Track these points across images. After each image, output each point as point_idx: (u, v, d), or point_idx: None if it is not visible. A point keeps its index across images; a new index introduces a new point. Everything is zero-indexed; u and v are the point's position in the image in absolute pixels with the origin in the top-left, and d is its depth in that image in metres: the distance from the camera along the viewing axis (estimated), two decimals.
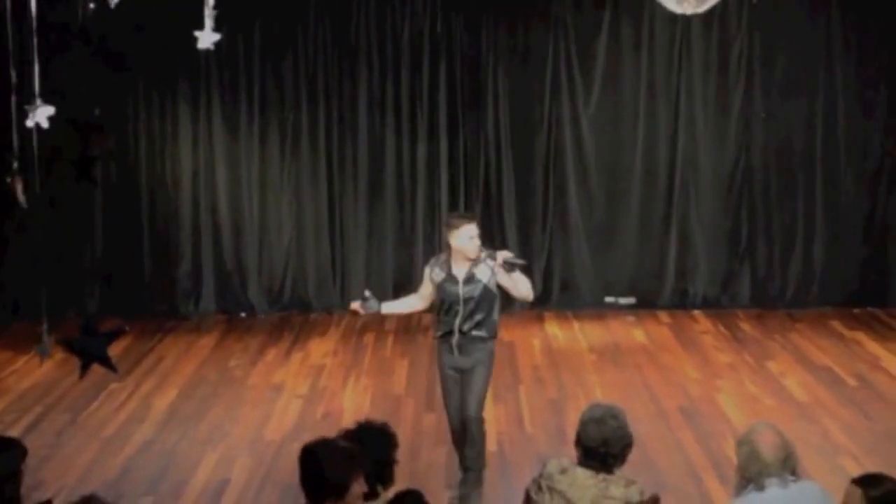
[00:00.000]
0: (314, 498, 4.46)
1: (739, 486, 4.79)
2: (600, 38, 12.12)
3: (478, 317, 7.40)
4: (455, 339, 7.42)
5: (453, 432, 7.58)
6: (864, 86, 12.08)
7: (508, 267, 7.40)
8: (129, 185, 12.16)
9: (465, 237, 7.33)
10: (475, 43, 12.17)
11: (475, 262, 7.38)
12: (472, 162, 12.33)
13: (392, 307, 7.91)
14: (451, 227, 7.44)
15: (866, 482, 4.47)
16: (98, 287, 12.03)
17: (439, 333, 7.52)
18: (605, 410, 4.98)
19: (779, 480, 4.67)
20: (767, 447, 4.71)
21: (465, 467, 7.48)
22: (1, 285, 11.86)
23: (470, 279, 7.38)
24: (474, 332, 7.42)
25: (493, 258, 7.38)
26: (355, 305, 7.65)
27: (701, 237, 12.34)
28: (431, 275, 7.51)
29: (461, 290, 7.37)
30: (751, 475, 4.72)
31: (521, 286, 7.50)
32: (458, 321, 7.39)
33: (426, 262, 12.12)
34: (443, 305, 7.47)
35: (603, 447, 4.87)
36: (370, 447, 4.72)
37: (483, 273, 7.37)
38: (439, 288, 7.45)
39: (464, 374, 7.46)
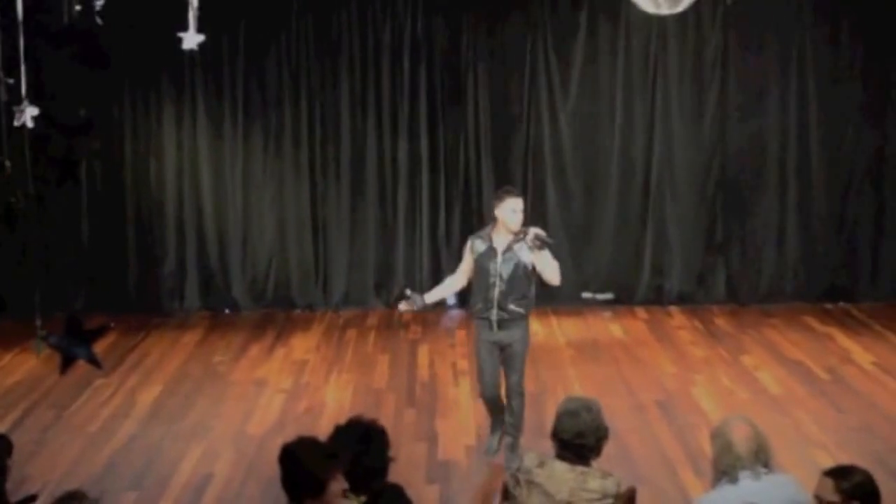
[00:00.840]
0: (293, 496, 4.53)
1: (714, 479, 4.85)
2: (577, 38, 12.23)
3: (515, 293, 7.66)
4: (494, 314, 7.68)
5: (486, 402, 7.99)
6: (837, 84, 12.20)
7: (539, 244, 7.63)
8: (114, 184, 12.24)
9: (508, 210, 7.63)
10: (455, 43, 12.28)
11: (516, 237, 7.64)
12: (452, 160, 12.44)
13: (435, 295, 8.12)
14: (497, 199, 7.75)
15: (838, 474, 4.51)
16: (84, 285, 12.11)
17: (478, 307, 7.76)
18: (579, 404, 5.08)
19: (751, 473, 4.72)
20: (740, 440, 4.76)
21: (503, 432, 7.98)
22: None
23: (508, 252, 7.65)
24: (512, 307, 7.70)
25: (527, 234, 7.66)
26: (402, 307, 7.99)
27: (676, 234, 12.48)
28: (472, 247, 7.79)
29: (500, 264, 7.64)
30: (724, 467, 4.78)
31: (549, 267, 7.72)
32: (496, 295, 7.65)
33: (406, 258, 12.41)
34: (480, 279, 7.69)
35: (578, 439, 4.97)
36: (368, 447, 4.80)
37: (521, 250, 7.65)
38: (478, 261, 7.72)
39: (503, 349, 7.79)
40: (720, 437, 4.85)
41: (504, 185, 12.23)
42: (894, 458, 7.94)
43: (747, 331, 11.39)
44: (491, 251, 7.69)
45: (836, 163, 12.34)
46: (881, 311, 11.95)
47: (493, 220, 7.77)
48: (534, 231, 7.67)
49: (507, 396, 7.90)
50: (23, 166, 9.02)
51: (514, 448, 7.84)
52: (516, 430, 7.91)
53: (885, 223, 12.41)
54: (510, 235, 7.67)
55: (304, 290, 12.49)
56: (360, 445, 4.80)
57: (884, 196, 12.40)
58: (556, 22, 12.23)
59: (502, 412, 8.00)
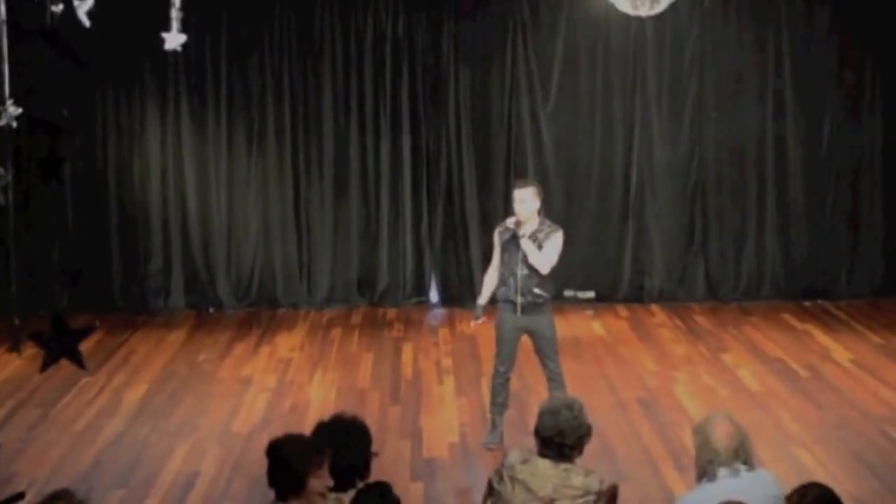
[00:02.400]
0: (278, 492, 4.61)
1: (697, 476, 4.87)
2: (558, 39, 12.30)
3: (538, 277, 7.89)
4: (518, 297, 7.91)
5: (495, 384, 8.18)
6: (814, 81, 12.31)
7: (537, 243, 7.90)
8: (98, 184, 12.26)
9: (517, 200, 7.91)
10: (436, 43, 12.34)
11: (526, 227, 7.87)
12: (434, 159, 12.51)
13: (486, 296, 8.31)
14: (514, 188, 8.09)
15: (802, 495, 4.43)
16: (68, 284, 12.13)
17: (502, 290, 8.02)
18: (561, 402, 5.16)
19: (730, 470, 4.73)
20: (719, 436, 4.78)
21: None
22: None
23: (531, 238, 7.86)
24: (537, 290, 7.94)
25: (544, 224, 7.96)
26: (476, 323, 8.30)
27: (657, 232, 12.57)
28: (499, 235, 8.05)
29: (520, 251, 7.85)
30: (703, 464, 4.81)
31: (531, 254, 7.88)
32: (519, 280, 7.88)
33: (391, 256, 12.46)
34: (505, 265, 8.00)
35: (558, 437, 5.04)
36: (351, 444, 4.87)
37: (543, 237, 7.90)
38: (504, 247, 7.98)
39: (531, 335, 8.05)
40: (700, 434, 4.88)
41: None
42: (873, 455, 8.05)
43: (727, 328, 11.49)
44: (513, 238, 7.91)
45: (814, 161, 12.45)
46: (859, 309, 12.07)
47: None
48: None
49: (550, 388, 8.06)
50: (4, 166, 9.06)
51: None
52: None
53: (863, 221, 12.55)
54: (528, 225, 7.90)
55: (289, 288, 12.54)
56: (341, 442, 4.84)
57: (861, 195, 12.53)
58: (536, 22, 12.31)
59: (505, 401, 8.20)
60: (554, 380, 8.12)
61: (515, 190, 8.04)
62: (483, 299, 8.30)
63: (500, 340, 8.17)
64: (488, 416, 8.36)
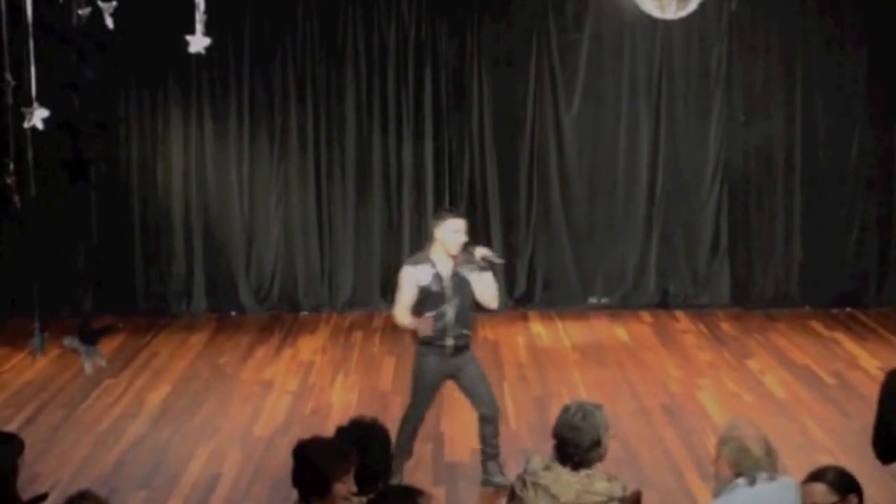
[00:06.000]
0: (302, 494, 4.60)
1: (724, 482, 4.79)
2: (582, 42, 12.25)
3: (466, 316, 7.39)
4: (449, 342, 7.35)
5: (407, 439, 7.47)
6: (843, 87, 12.22)
7: (486, 265, 7.38)
8: (121, 187, 12.29)
9: (450, 231, 7.29)
10: (459, 46, 12.31)
11: (459, 259, 7.33)
12: (456, 162, 12.48)
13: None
14: (439, 218, 7.42)
15: (818, 475, 4.51)
16: (91, 287, 12.17)
17: (429, 336, 7.32)
18: (577, 409, 5.08)
19: (768, 475, 4.71)
20: (754, 442, 4.75)
21: (489, 455, 7.60)
22: None
23: (455, 276, 7.33)
24: (465, 331, 7.42)
25: (472, 255, 7.37)
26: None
27: (682, 238, 12.51)
28: (415, 277, 7.32)
29: (450, 289, 7.31)
30: (742, 470, 4.73)
31: (489, 289, 7.41)
32: (450, 322, 7.31)
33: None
34: (427, 307, 7.31)
35: (572, 445, 4.99)
36: (372, 448, 4.83)
37: (465, 271, 7.34)
38: (426, 290, 7.31)
39: (459, 373, 7.44)
40: (733, 441, 4.80)
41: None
42: None
43: (753, 335, 11.41)
44: (437, 277, 7.30)
45: (842, 167, 12.34)
46: (888, 317, 11.96)
47: (430, 240, 7.47)
48: (480, 252, 7.45)
49: (485, 419, 7.51)
50: (26, 168, 9.10)
51: (501, 464, 7.66)
52: (498, 445, 7.65)
53: (892, 228, 12.42)
54: (450, 258, 7.33)
55: (310, 292, 12.54)
56: (362, 446, 4.81)
57: (891, 201, 12.41)
58: (561, 26, 12.26)
59: (409, 457, 7.59)
60: (494, 409, 7.54)
61: (451, 219, 7.34)
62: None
63: (421, 393, 7.44)
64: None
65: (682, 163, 12.43)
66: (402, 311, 7.41)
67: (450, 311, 7.33)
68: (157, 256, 12.46)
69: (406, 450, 7.52)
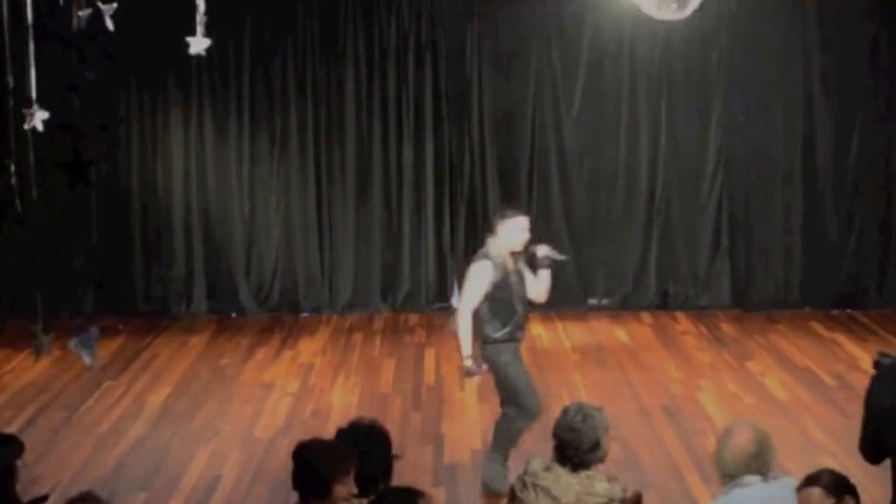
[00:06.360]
0: (302, 496, 4.60)
1: (722, 484, 4.83)
2: (582, 43, 12.24)
3: (526, 312, 7.47)
4: (520, 335, 7.42)
5: (532, 423, 7.50)
6: (844, 88, 12.19)
7: (548, 262, 7.48)
8: (121, 187, 12.30)
9: (517, 228, 7.34)
10: (459, 47, 12.32)
11: (519, 255, 7.41)
12: (456, 163, 12.48)
13: (469, 341, 7.41)
14: (504, 216, 7.42)
15: (813, 480, 4.50)
16: (91, 288, 12.19)
17: (505, 332, 7.32)
18: (577, 411, 5.08)
19: (760, 477, 4.72)
20: (731, 447, 4.75)
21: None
22: None
23: (517, 272, 7.42)
24: (525, 326, 7.54)
25: (534, 253, 7.46)
26: (476, 378, 7.60)
27: (682, 239, 12.50)
28: (490, 273, 7.28)
29: (516, 285, 7.35)
30: (731, 472, 4.76)
31: (542, 284, 7.54)
32: (521, 317, 7.39)
33: (413, 261, 12.40)
34: (502, 304, 7.30)
35: (570, 447, 5.01)
36: (371, 450, 4.83)
37: (523, 267, 7.47)
38: (497, 285, 7.30)
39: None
40: (725, 443, 4.83)
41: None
42: None
43: (753, 336, 11.40)
44: (506, 274, 7.32)
45: (842, 169, 12.33)
46: (888, 318, 11.93)
47: (489, 236, 7.48)
48: (542, 249, 7.50)
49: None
50: (27, 169, 9.09)
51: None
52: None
53: (893, 229, 12.41)
54: (509, 254, 7.37)
55: (311, 293, 12.54)
56: (362, 447, 4.81)
57: (891, 203, 12.40)
58: (561, 27, 12.26)
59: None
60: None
61: (518, 217, 7.40)
62: (470, 348, 7.38)
63: (522, 382, 7.38)
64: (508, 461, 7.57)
65: (682, 164, 12.43)
66: (470, 307, 7.33)
67: (519, 307, 7.38)
68: (158, 258, 12.46)
69: (512, 446, 7.48)
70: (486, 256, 7.35)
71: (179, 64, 11.56)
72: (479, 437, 8.61)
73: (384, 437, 5.02)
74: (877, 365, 5.42)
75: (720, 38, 12.23)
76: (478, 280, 7.32)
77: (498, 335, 7.35)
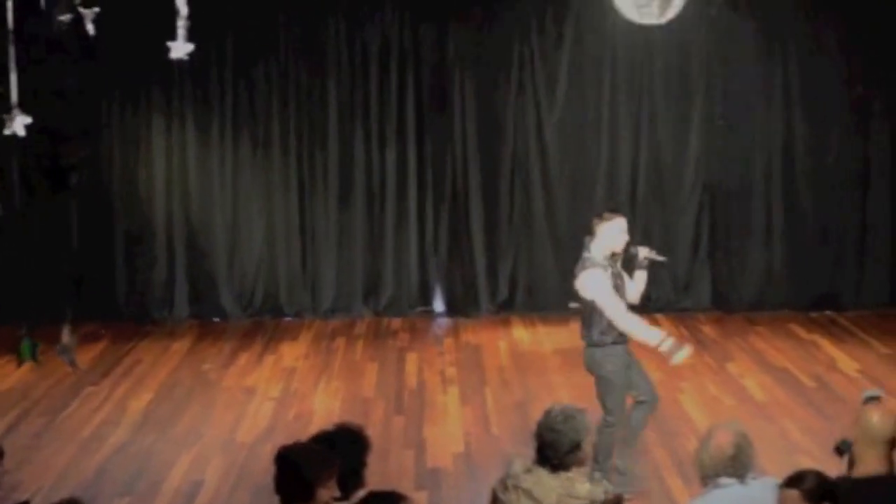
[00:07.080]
0: (285, 500, 4.59)
1: (702, 485, 4.86)
2: (564, 47, 12.28)
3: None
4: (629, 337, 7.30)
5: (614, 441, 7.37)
6: (822, 91, 12.24)
7: (647, 263, 7.44)
8: (103, 193, 12.27)
9: (617, 230, 7.25)
10: (442, 51, 12.35)
11: (617, 257, 7.34)
12: (439, 168, 12.50)
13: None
14: (603, 218, 7.32)
15: (795, 481, 4.50)
16: (73, 292, 12.13)
17: (614, 336, 7.22)
18: (559, 412, 5.10)
19: (738, 479, 4.74)
20: (712, 447, 4.79)
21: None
22: None
23: (619, 275, 7.35)
24: None
25: (635, 254, 7.41)
26: (685, 356, 7.42)
27: (663, 242, 12.51)
28: (609, 277, 7.22)
29: (620, 288, 7.29)
30: (710, 473, 4.80)
31: (639, 286, 7.49)
32: None
33: (396, 265, 12.40)
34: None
35: (550, 448, 5.03)
36: (343, 450, 4.81)
37: (622, 269, 7.41)
38: (616, 289, 7.25)
39: (632, 364, 7.40)
40: (705, 445, 4.86)
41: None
42: None
43: (733, 338, 11.45)
44: (614, 276, 7.26)
45: (821, 171, 12.39)
46: (866, 320, 12.01)
47: (590, 238, 7.36)
48: (643, 251, 7.46)
49: (649, 405, 7.53)
50: (9, 175, 9.08)
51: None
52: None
53: (870, 231, 12.49)
54: (611, 255, 7.30)
55: (293, 298, 12.53)
56: (342, 451, 4.80)
57: (869, 205, 12.48)
58: (542, 31, 12.30)
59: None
60: (653, 407, 7.58)
61: (618, 218, 7.34)
62: (656, 334, 7.37)
63: (621, 388, 7.33)
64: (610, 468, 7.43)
65: (662, 168, 12.48)
66: (620, 311, 7.22)
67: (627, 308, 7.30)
68: (140, 263, 12.42)
69: (611, 454, 7.37)
70: (594, 264, 7.24)
71: (162, 69, 11.53)
72: (462, 440, 8.65)
73: (361, 439, 5.02)
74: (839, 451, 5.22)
75: (700, 43, 12.28)
76: (602, 288, 7.20)
77: (607, 338, 7.26)
